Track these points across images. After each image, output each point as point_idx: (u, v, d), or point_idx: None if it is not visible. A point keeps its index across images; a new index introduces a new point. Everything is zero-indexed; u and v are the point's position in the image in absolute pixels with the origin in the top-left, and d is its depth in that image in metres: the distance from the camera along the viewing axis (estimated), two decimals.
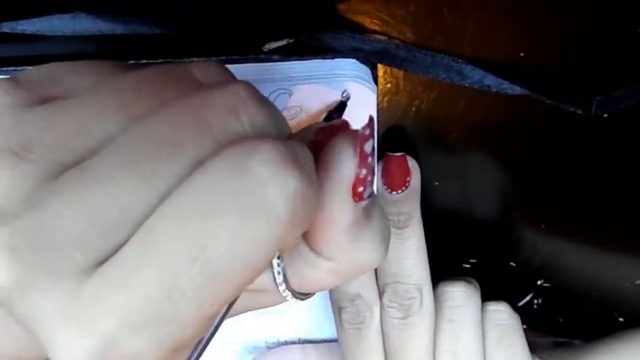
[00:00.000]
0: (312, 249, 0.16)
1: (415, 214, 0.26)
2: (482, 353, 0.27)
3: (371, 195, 0.16)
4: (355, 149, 0.15)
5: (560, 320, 0.33)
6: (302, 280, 0.17)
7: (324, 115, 0.21)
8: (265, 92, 0.19)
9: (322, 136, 0.17)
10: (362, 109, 0.20)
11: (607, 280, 0.30)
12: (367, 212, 0.16)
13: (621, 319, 0.31)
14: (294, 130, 0.17)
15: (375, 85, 0.20)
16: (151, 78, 0.14)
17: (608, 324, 0.31)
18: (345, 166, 0.15)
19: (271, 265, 0.16)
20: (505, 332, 0.27)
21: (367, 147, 0.15)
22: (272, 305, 0.18)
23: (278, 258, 0.16)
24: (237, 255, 0.12)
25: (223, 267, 0.12)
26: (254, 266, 0.13)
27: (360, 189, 0.15)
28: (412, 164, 0.26)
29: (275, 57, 0.20)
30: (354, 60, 0.20)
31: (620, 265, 0.29)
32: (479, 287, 0.28)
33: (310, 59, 0.20)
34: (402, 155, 0.25)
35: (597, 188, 0.27)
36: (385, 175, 0.26)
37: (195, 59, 0.19)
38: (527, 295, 0.32)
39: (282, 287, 0.17)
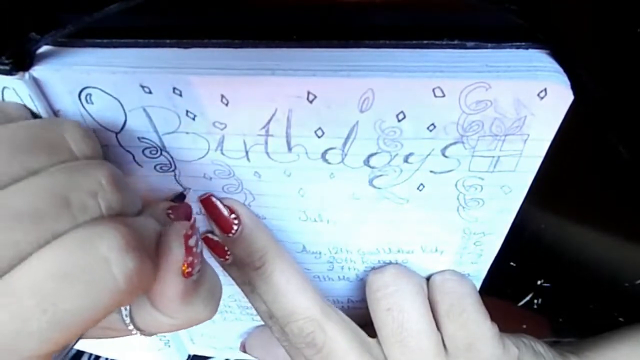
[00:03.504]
0: (152, 305, 0.20)
1: (267, 248, 0.25)
2: (433, 329, 0.25)
3: (200, 270, 0.20)
4: (183, 242, 0.19)
5: (560, 320, 0.33)
6: (146, 325, 0.21)
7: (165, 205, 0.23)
8: (460, 85, 0.19)
9: (172, 213, 0.21)
10: (556, 108, 0.19)
11: (607, 280, 0.30)
12: (196, 283, 0.20)
13: (621, 319, 0.31)
14: None
15: (569, 81, 0.19)
16: (23, 141, 0.16)
17: (608, 323, 0.31)
18: (175, 254, 0.18)
19: (120, 310, 0.21)
20: (455, 299, 0.26)
21: (191, 242, 0.19)
22: (121, 337, 0.22)
23: (126, 309, 0.21)
24: (80, 312, 0.15)
25: (68, 319, 0.15)
26: (95, 319, 0.16)
27: (189, 270, 0.19)
28: (233, 201, 0.25)
29: (470, 43, 0.20)
30: (548, 52, 0.20)
31: (620, 265, 0.29)
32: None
33: (506, 48, 0.20)
34: (210, 195, 0.24)
35: (597, 188, 0.27)
36: (211, 218, 0.25)
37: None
38: (527, 295, 0.32)
39: (131, 327, 0.21)
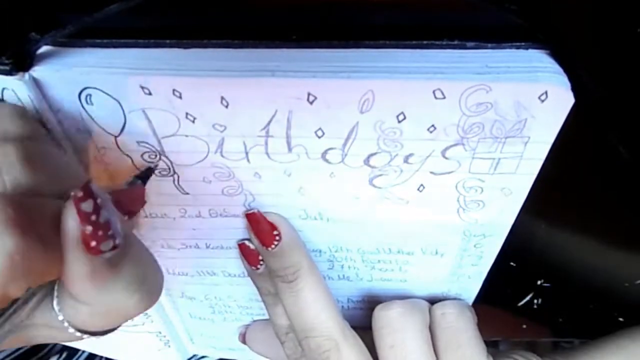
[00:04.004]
0: (70, 294, 0.18)
1: (302, 264, 0.26)
2: None
3: (117, 247, 0.18)
4: (74, 209, 0.17)
5: (560, 320, 0.33)
6: (76, 320, 0.19)
7: (130, 179, 0.22)
8: (460, 87, 0.19)
9: (115, 197, 0.19)
10: (557, 110, 0.20)
11: (607, 280, 0.30)
12: (112, 264, 0.18)
13: (621, 319, 0.31)
14: None
15: (570, 83, 0.19)
16: None
17: (608, 324, 0.31)
18: (67, 225, 0.17)
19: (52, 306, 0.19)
20: (452, 334, 0.27)
21: (86, 207, 0.17)
22: (73, 341, 0.20)
23: (57, 300, 0.19)
24: None
25: None
26: None
27: (93, 243, 0.17)
28: (276, 217, 0.26)
29: (470, 43, 0.20)
30: (548, 52, 0.20)
31: (620, 265, 0.29)
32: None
33: (506, 48, 0.20)
34: (256, 211, 0.25)
35: (597, 188, 0.27)
36: (253, 232, 0.26)
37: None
38: (527, 295, 0.32)
39: (66, 325, 0.19)
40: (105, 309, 0.19)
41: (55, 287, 0.19)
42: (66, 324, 0.19)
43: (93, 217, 0.17)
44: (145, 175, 0.22)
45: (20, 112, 0.19)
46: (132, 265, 0.19)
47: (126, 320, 0.20)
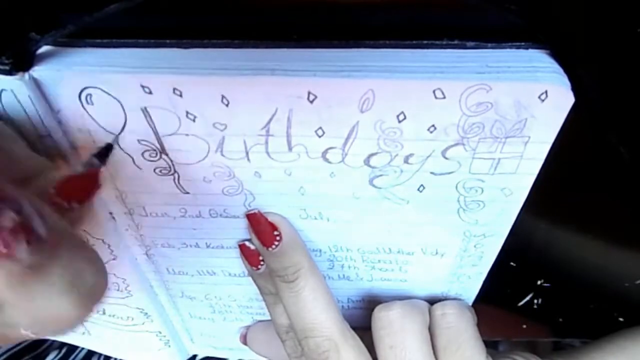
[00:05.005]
0: None
1: (302, 264, 0.26)
2: None
3: (37, 248, 0.16)
4: None
5: (560, 320, 0.33)
6: (4, 328, 0.17)
7: (87, 159, 0.20)
8: (461, 87, 0.19)
9: (60, 184, 0.18)
10: (557, 110, 0.20)
11: (607, 280, 0.30)
12: (33, 266, 0.16)
13: (621, 319, 0.31)
14: None
15: (570, 82, 0.19)
16: None
17: (608, 323, 0.31)
18: None
19: None
20: (452, 334, 0.27)
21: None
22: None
23: None
24: None
25: None
26: None
27: (2, 249, 0.15)
28: (277, 217, 0.26)
29: (470, 43, 0.20)
30: (548, 52, 0.20)
31: (620, 265, 0.29)
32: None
33: (506, 48, 0.20)
34: (256, 212, 0.25)
35: (597, 187, 0.27)
36: (254, 232, 0.26)
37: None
38: (527, 295, 0.32)
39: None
40: (31, 318, 0.17)
41: None
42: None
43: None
44: (103, 153, 0.21)
45: None
46: (60, 265, 0.17)
47: (64, 329, 0.18)
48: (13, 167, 0.18)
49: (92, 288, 0.18)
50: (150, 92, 0.19)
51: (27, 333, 0.17)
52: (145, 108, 0.20)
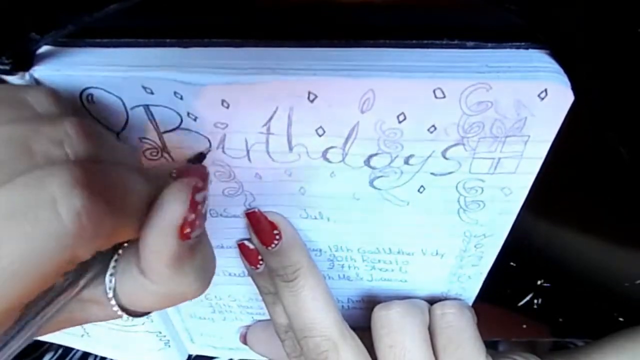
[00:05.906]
0: (140, 270, 0.18)
1: (301, 264, 0.26)
2: None
3: (199, 234, 0.18)
4: (188, 196, 0.17)
5: (560, 320, 0.33)
6: (130, 297, 0.19)
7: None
8: (461, 86, 0.19)
9: (178, 175, 0.19)
10: (556, 108, 0.20)
11: (607, 280, 0.30)
12: (191, 249, 0.18)
13: (621, 319, 0.31)
14: None
15: (570, 82, 0.19)
16: None
17: (608, 323, 0.31)
18: (175, 209, 0.17)
19: (104, 280, 0.19)
20: (451, 334, 0.27)
21: (199, 197, 0.18)
22: (107, 320, 0.20)
23: (111, 275, 0.19)
24: (25, 256, 0.14)
25: (13, 264, 0.14)
26: (41, 267, 0.15)
27: (188, 230, 0.17)
28: (276, 216, 0.26)
29: (470, 43, 0.20)
30: (548, 52, 0.20)
31: (620, 265, 0.29)
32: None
33: (506, 48, 0.20)
34: (256, 211, 0.25)
35: (597, 187, 0.27)
36: (254, 231, 0.26)
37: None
38: (527, 295, 0.32)
39: (113, 302, 0.19)
40: (169, 291, 0.19)
41: (113, 261, 0.19)
42: (113, 301, 0.19)
43: (199, 207, 0.18)
44: (198, 160, 0.22)
45: (56, 92, 0.18)
46: (202, 250, 0.19)
47: (177, 303, 0.20)
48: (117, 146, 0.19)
49: (210, 273, 0.21)
50: (152, 93, 0.19)
51: (117, 309, 0.19)
52: (147, 105, 0.20)
